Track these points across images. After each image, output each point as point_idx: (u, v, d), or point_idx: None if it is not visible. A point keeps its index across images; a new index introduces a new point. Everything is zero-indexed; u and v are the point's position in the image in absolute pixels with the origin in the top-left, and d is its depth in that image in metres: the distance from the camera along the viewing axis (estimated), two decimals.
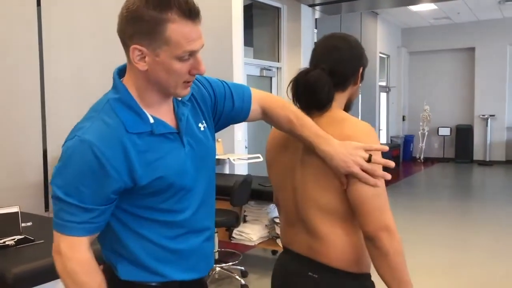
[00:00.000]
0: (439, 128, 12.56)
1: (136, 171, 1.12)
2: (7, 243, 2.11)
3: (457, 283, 4.09)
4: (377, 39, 11.05)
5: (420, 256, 4.60)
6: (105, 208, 1.13)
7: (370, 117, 10.44)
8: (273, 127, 1.49)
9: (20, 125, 3.44)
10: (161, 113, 1.20)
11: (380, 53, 11.41)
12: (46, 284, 1.88)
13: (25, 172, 3.48)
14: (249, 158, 5.43)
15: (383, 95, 12.08)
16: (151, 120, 1.16)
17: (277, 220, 4.09)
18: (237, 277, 3.97)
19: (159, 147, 1.16)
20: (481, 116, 12.09)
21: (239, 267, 4.15)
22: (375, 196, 1.26)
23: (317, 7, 7.62)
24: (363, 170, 1.26)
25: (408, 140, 12.86)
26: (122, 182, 1.12)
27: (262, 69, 6.70)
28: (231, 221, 3.82)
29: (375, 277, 1.40)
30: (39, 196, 3.54)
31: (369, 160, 1.26)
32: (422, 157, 12.44)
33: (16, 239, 2.14)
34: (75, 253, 1.13)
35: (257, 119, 1.43)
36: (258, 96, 1.40)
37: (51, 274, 1.27)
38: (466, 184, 9.93)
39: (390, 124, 12.41)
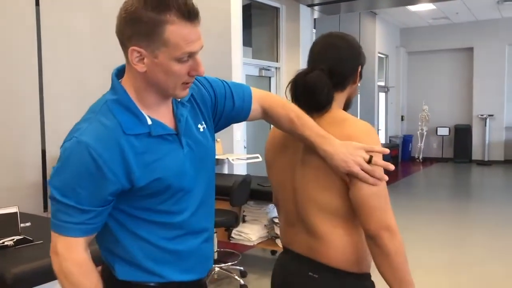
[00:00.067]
0: (438, 128, 12.57)
1: (133, 172, 1.12)
2: (6, 243, 2.11)
3: (456, 282, 4.10)
4: (376, 39, 11.05)
5: (419, 255, 4.60)
6: (102, 209, 1.13)
7: (369, 117, 10.43)
8: (272, 126, 1.49)
9: (19, 125, 3.43)
10: (160, 114, 1.20)
11: (379, 53, 11.41)
12: (45, 285, 1.88)
13: (24, 172, 3.47)
14: (248, 158, 5.43)
15: (382, 95, 12.09)
16: (149, 122, 1.16)
17: (276, 220, 4.09)
18: (236, 277, 3.97)
19: (157, 148, 1.16)
20: (479, 116, 12.11)
21: (238, 267, 4.15)
22: (376, 195, 1.27)
23: (316, 7, 7.62)
24: (363, 170, 1.26)
25: (407, 140, 12.87)
26: (119, 184, 1.12)
27: (261, 69, 6.70)
28: (230, 221, 3.82)
29: (375, 277, 1.40)
30: (38, 196, 3.53)
31: (369, 161, 1.26)
32: (420, 157, 12.45)
33: (15, 240, 2.14)
34: (72, 253, 1.13)
35: (258, 118, 1.43)
36: (258, 96, 1.40)
37: (50, 274, 1.26)
38: (465, 184, 9.94)
39: (389, 124, 12.42)
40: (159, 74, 1.12)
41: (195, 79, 1.28)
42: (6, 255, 2.02)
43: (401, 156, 12.47)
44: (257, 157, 5.21)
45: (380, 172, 1.28)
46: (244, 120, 1.43)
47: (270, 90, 6.83)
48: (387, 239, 1.25)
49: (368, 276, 1.41)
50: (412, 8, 10.20)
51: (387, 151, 1.33)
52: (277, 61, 7.05)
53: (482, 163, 11.93)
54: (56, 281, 1.19)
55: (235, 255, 4.47)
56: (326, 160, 1.30)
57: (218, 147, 5.24)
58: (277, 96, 1.45)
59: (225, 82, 1.39)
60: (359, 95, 9.53)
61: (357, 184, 1.27)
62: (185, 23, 1.08)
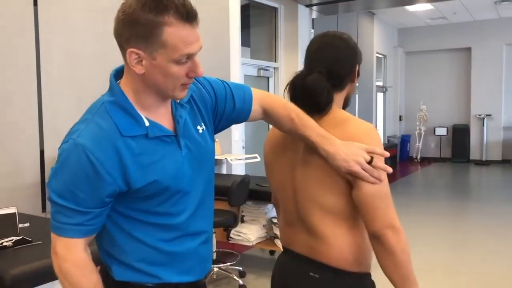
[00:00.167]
0: (436, 128, 12.59)
1: (130, 174, 1.12)
2: (4, 244, 2.10)
3: (455, 282, 4.11)
4: (374, 39, 11.06)
5: (417, 255, 4.60)
6: (101, 210, 1.14)
7: (367, 117, 10.43)
8: (271, 127, 1.49)
9: (17, 126, 3.43)
10: (159, 115, 1.19)
11: (377, 53, 11.42)
12: (44, 285, 1.88)
13: (22, 173, 3.47)
14: (246, 158, 5.43)
15: (380, 95, 12.09)
16: (146, 123, 1.15)
17: (275, 220, 4.10)
18: (235, 277, 3.97)
19: (154, 150, 1.16)
20: (477, 116, 12.13)
21: (237, 267, 4.15)
22: (379, 195, 1.28)
23: (314, 7, 7.63)
24: (364, 170, 1.26)
25: (405, 140, 12.88)
26: (116, 186, 1.12)
27: (259, 69, 6.70)
28: (229, 221, 3.82)
29: (375, 277, 1.41)
30: (36, 197, 3.53)
31: (370, 162, 1.27)
32: (419, 157, 12.47)
33: (13, 240, 2.13)
34: (71, 254, 1.13)
35: (258, 119, 1.42)
36: (258, 96, 1.39)
37: (49, 275, 1.27)
38: (463, 183, 9.95)
39: (387, 124, 12.43)
40: (158, 76, 1.12)
41: (196, 80, 1.27)
42: (4, 256, 2.02)
43: (399, 156, 12.49)
44: (256, 157, 5.21)
45: (379, 173, 1.28)
46: (244, 121, 1.42)
47: (268, 90, 6.83)
48: (392, 238, 1.25)
49: (368, 276, 1.41)
50: (410, 8, 10.22)
51: (388, 154, 1.33)
52: (275, 61, 7.05)
53: (480, 163, 11.95)
54: (55, 282, 1.20)
55: (233, 255, 4.48)
56: (327, 160, 1.30)
57: (217, 147, 5.24)
58: (277, 97, 1.45)
59: (226, 83, 1.38)
60: (357, 95, 9.55)
61: (360, 184, 1.28)
62: (183, 24, 1.08)
